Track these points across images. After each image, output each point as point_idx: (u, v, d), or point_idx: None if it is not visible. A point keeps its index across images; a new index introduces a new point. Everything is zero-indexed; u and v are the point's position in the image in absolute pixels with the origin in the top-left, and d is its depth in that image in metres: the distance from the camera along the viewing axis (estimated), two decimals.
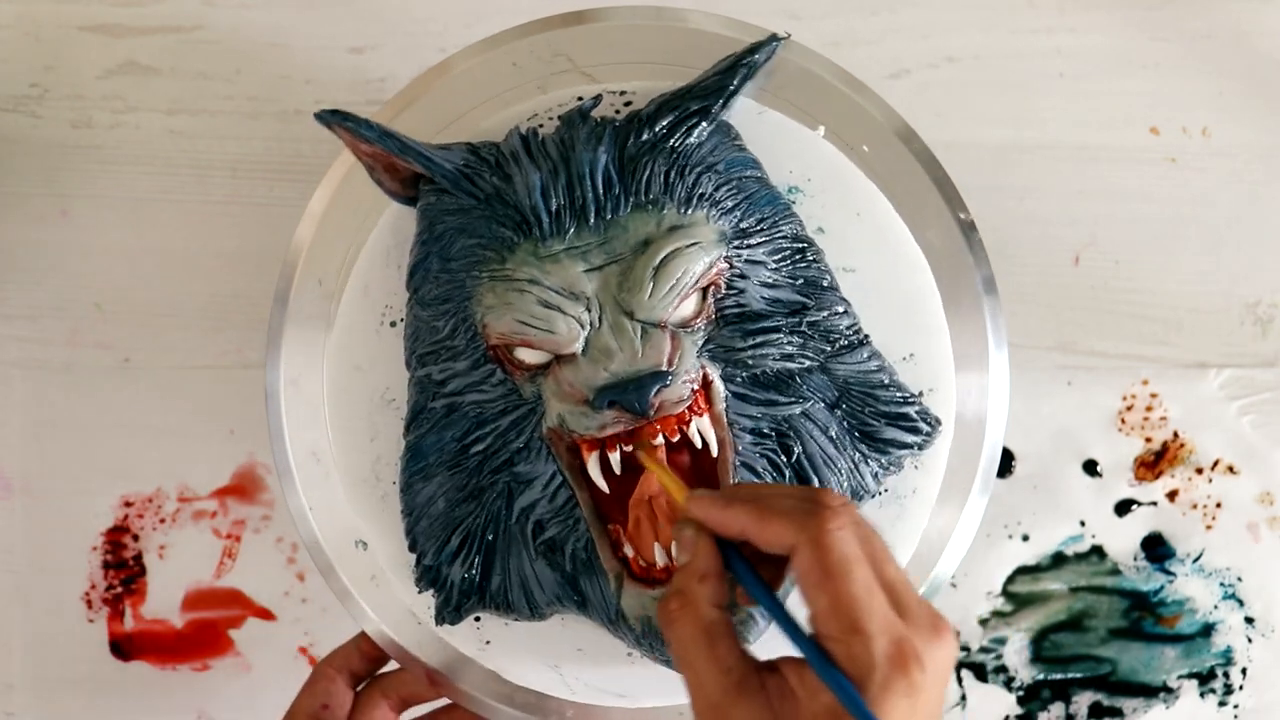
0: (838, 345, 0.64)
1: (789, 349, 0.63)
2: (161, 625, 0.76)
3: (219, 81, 0.77)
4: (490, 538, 0.63)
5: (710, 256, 0.61)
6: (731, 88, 0.63)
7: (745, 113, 0.66)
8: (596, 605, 0.63)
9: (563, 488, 0.62)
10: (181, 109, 0.77)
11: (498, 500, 0.63)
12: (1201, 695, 0.77)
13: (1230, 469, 0.78)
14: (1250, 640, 0.78)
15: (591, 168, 0.61)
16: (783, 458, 0.63)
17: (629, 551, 0.61)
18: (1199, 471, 0.78)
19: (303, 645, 0.76)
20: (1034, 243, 0.78)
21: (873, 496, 0.65)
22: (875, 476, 0.64)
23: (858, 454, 0.64)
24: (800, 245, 0.64)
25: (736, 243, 0.62)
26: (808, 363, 0.63)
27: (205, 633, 0.76)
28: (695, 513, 0.54)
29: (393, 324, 0.66)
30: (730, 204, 0.62)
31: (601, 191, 0.61)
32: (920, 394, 0.65)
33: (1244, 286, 0.78)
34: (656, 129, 0.62)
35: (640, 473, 0.61)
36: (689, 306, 0.61)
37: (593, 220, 0.61)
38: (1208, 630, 0.78)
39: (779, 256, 0.63)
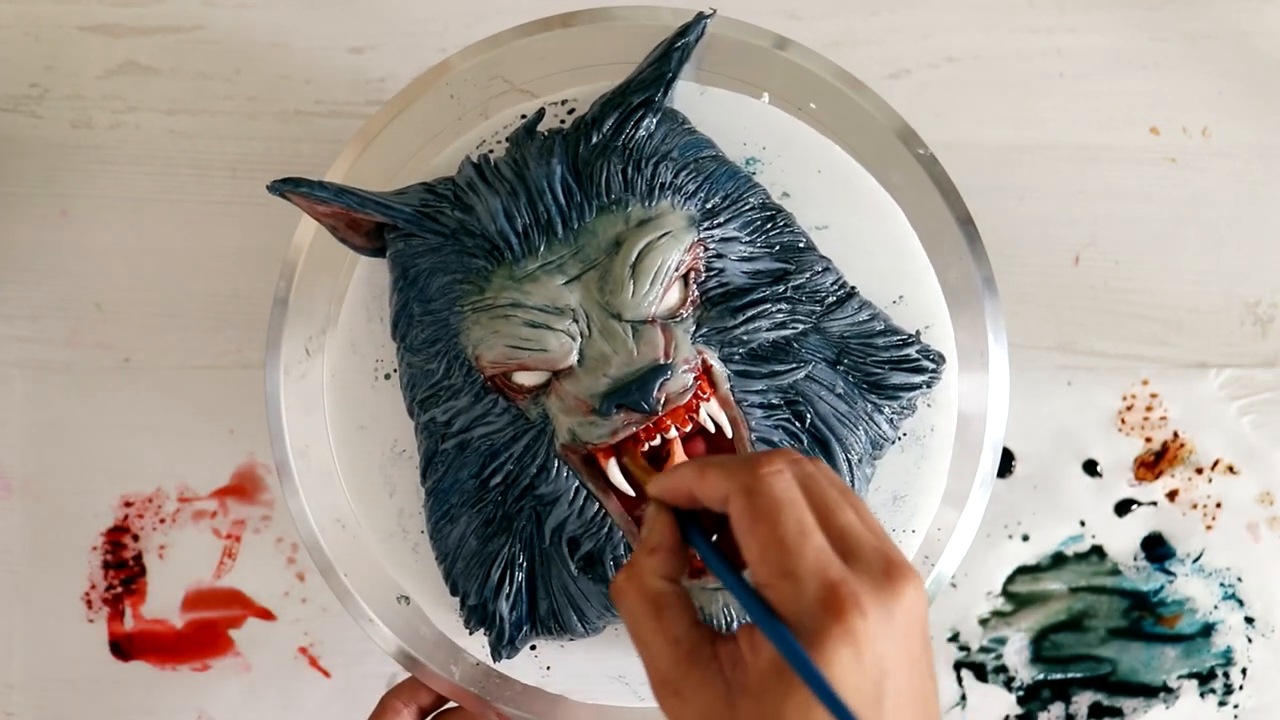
0: (826, 303, 0.64)
1: (779, 317, 0.63)
2: (161, 625, 0.76)
3: (219, 81, 0.77)
4: (528, 564, 0.63)
5: (683, 243, 0.61)
6: (669, 74, 0.63)
7: (688, 95, 0.66)
8: None
9: (589, 500, 0.62)
10: (181, 109, 0.77)
11: (528, 526, 0.63)
12: (1201, 695, 0.77)
13: (1230, 469, 0.78)
14: (1250, 640, 0.78)
15: (549, 181, 0.61)
16: (797, 424, 0.63)
17: None
18: (1199, 471, 0.78)
19: (303, 645, 0.76)
20: (1034, 243, 0.78)
21: (893, 443, 0.65)
22: (891, 423, 0.64)
23: (869, 404, 0.64)
24: (769, 213, 0.64)
25: (706, 224, 0.62)
26: (801, 327, 0.63)
27: (205, 633, 0.76)
28: (651, 489, 0.53)
29: (387, 376, 0.66)
30: (692, 187, 0.62)
31: (564, 202, 0.61)
32: (917, 333, 0.65)
33: (1244, 286, 0.78)
34: (604, 130, 0.62)
35: (660, 470, 0.61)
36: (673, 296, 0.61)
37: (561, 232, 0.61)
38: (1208, 630, 0.78)
39: (751, 229, 0.63)
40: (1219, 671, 0.78)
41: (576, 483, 0.62)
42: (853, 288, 0.64)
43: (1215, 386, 0.78)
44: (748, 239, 0.63)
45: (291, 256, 0.66)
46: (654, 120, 0.63)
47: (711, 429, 0.61)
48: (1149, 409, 0.78)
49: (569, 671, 0.66)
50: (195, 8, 0.77)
